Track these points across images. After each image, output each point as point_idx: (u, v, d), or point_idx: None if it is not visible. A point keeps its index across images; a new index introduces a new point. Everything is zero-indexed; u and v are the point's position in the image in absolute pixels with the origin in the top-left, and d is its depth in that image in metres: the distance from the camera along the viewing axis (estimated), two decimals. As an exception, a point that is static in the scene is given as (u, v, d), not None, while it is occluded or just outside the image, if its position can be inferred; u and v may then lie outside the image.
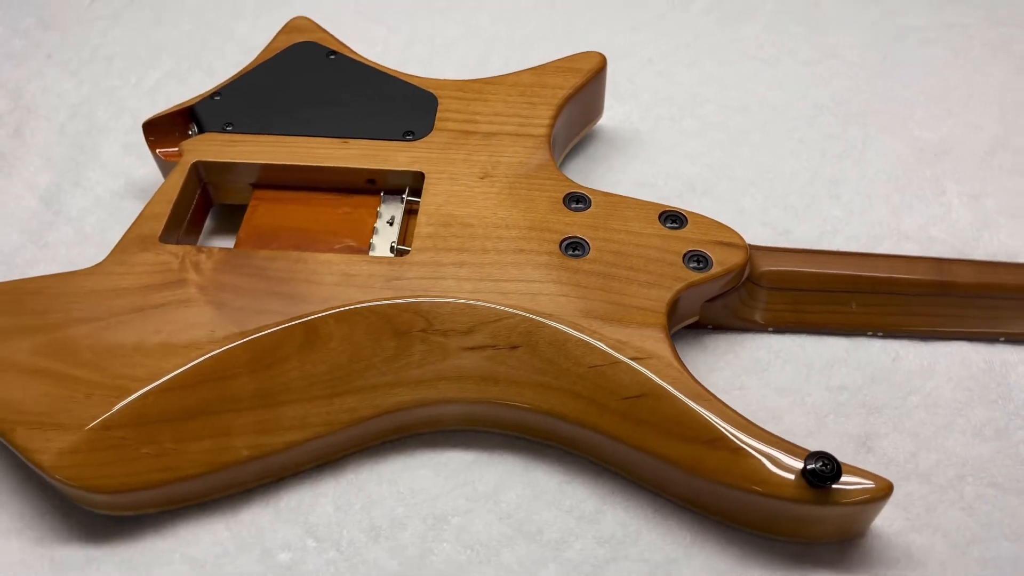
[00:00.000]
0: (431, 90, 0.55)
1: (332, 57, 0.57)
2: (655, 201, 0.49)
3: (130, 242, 0.47)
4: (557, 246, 0.46)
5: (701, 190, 0.57)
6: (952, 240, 0.53)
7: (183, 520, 0.42)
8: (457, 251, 0.46)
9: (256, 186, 0.52)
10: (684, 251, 0.46)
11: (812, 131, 0.60)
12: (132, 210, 0.56)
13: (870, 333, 0.49)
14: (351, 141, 0.52)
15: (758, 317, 0.49)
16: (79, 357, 0.42)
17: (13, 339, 0.43)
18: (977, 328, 0.48)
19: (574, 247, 0.46)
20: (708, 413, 0.40)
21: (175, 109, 0.54)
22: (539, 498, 0.43)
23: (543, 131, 0.52)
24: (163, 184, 0.50)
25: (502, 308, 0.44)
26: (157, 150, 0.55)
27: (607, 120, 0.60)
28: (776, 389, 0.46)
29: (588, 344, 0.42)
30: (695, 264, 0.46)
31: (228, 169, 0.51)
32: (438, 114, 0.53)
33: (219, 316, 0.44)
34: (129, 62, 0.67)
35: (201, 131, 0.53)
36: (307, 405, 0.43)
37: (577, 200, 0.49)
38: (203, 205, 0.53)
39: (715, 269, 0.46)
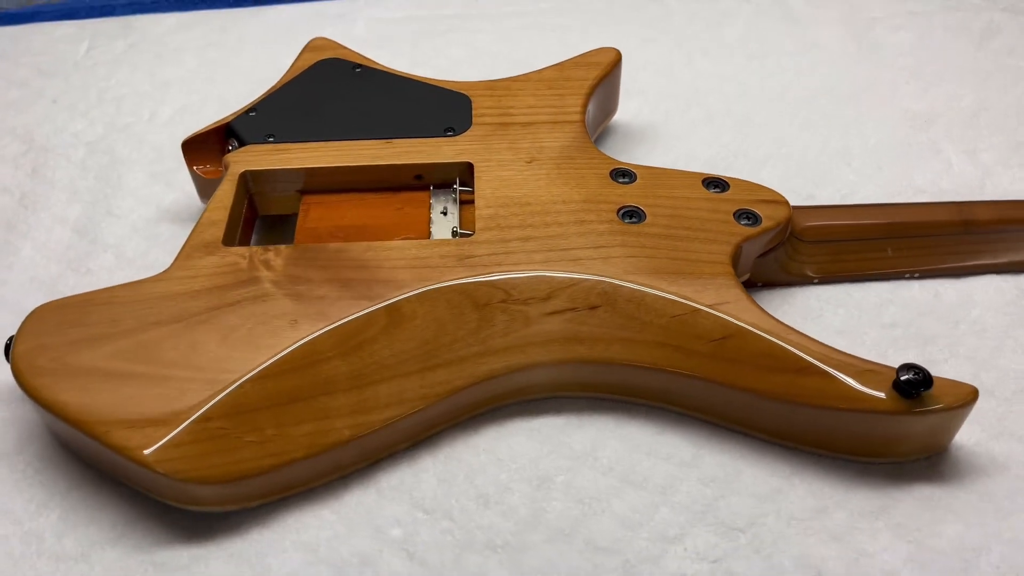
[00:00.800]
0: (462, 91, 0.57)
1: (358, 70, 0.58)
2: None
3: (193, 248, 0.47)
4: (615, 215, 0.48)
5: (722, 168, 0.60)
6: (960, 189, 0.57)
7: (286, 510, 0.42)
8: (520, 227, 0.48)
9: (304, 192, 0.53)
10: (733, 210, 0.49)
11: (811, 112, 0.64)
12: (169, 233, 0.56)
13: (908, 275, 0.52)
14: (394, 141, 0.53)
15: (805, 270, 0.52)
16: (164, 357, 0.42)
17: (90, 347, 0.42)
18: (1002, 259, 0.52)
19: (631, 215, 0.48)
20: (793, 345, 0.42)
21: (212, 127, 0.55)
22: (636, 450, 0.43)
23: (577, 117, 0.55)
24: (215, 194, 0.50)
25: (576, 274, 0.45)
26: (195, 167, 0.55)
27: (620, 116, 0.63)
28: (835, 331, 0.49)
29: (665, 297, 0.44)
30: (746, 221, 0.48)
31: (276, 177, 0.52)
32: (474, 111, 0.55)
33: (299, 306, 0.44)
34: (139, 100, 0.67)
35: (242, 145, 0.54)
36: (401, 381, 0.43)
37: (623, 175, 0.51)
38: (250, 217, 0.53)
39: (765, 223, 0.48)
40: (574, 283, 0.45)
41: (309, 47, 0.61)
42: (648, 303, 0.44)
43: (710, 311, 0.44)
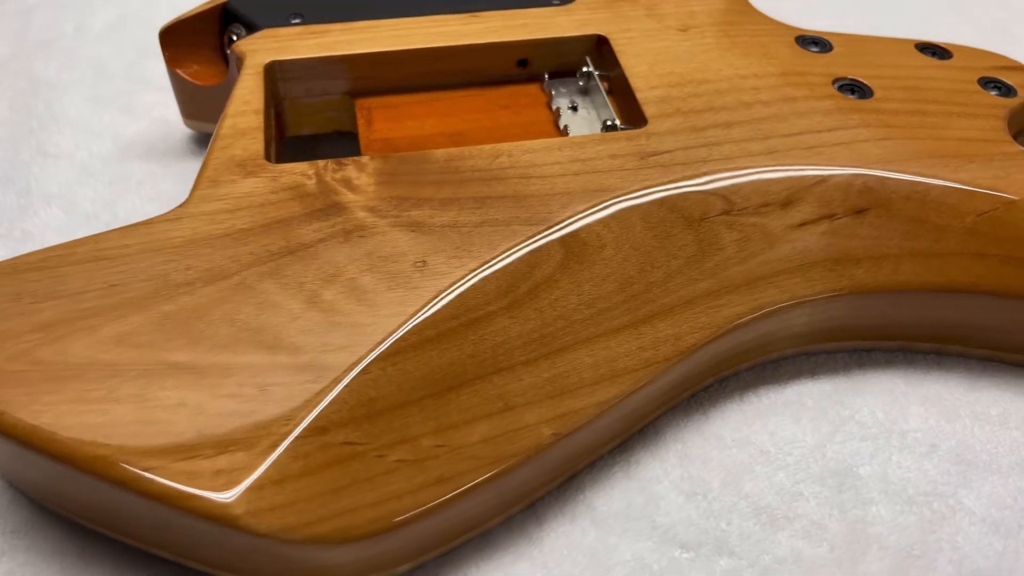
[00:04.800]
0: (554, -48, 0.41)
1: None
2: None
3: (220, 170, 0.29)
4: (832, 88, 0.34)
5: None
6: None
7: (452, 570, 0.25)
8: (712, 110, 0.32)
9: (354, 95, 0.36)
10: (975, 79, 0.35)
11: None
12: (144, 174, 0.38)
13: None
14: (482, 14, 0.37)
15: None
16: (214, 336, 0.25)
17: (80, 331, 0.24)
18: None
19: (851, 89, 0.34)
20: None
21: (206, 7, 0.37)
22: (955, 414, 0.29)
23: (726, -25, 0.40)
24: (235, 94, 0.33)
25: (820, 168, 0.31)
26: (179, 69, 0.37)
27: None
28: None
29: (959, 188, 0.30)
30: (996, 91, 0.35)
31: (315, 71, 0.35)
32: (581, -26, 0.40)
33: (422, 241, 0.27)
34: (54, 13, 0.48)
35: (252, 32, 0.36)
36: (608, 343, 0.27)
37: (813, 42, 0.37)
38: (276, 139, 0.35)
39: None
40: (821, 180, 0.30)
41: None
42: (938, 199, 0.30)
43: (1032, 202, 0.30)
